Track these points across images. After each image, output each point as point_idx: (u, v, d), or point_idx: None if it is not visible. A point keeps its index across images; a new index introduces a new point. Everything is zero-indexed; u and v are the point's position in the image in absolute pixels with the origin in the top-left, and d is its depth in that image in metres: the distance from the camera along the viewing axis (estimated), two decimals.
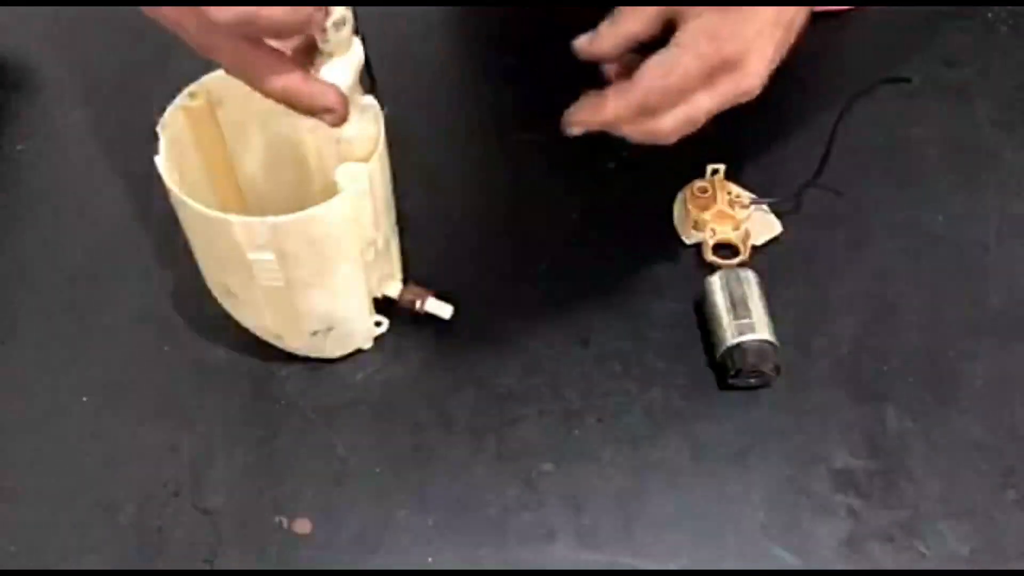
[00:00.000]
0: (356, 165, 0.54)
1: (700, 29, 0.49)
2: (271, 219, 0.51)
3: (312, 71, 0.50)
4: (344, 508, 0.57)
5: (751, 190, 0.68)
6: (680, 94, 0.50)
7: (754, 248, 0.66)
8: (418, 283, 0.62)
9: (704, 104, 0.50)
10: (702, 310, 0.62)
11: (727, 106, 0.51)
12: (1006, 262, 0.66)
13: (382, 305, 0.62)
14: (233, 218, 0.51)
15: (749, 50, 0.49)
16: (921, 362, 0.61)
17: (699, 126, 0.51)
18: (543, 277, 0.65)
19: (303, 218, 0.51)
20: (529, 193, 0.70)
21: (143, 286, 0.66)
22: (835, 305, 0.64)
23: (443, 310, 0.61)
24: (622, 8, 0.52)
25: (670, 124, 0.50)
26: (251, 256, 0.52)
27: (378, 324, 0.62)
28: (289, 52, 0.49)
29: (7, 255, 0.68)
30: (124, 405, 0.61)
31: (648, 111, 0.50)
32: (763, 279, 0.61)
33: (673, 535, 0.55)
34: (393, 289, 0.61)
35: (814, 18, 0.78)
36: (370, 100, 0.55)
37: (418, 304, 0.61)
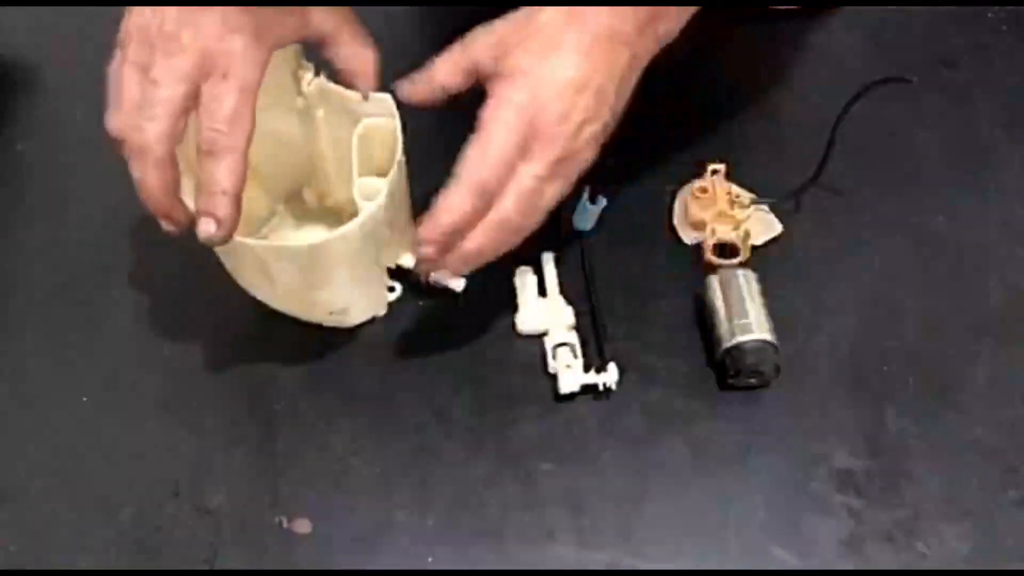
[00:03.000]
0: (374, 181, 0.55)
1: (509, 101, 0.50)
2: (293, 245, 0.53)
3: None
4: (344, 508, 0.57)
5: (751, 190, 0.68)
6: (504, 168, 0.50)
7: (754, 248, 0.66)
8: None
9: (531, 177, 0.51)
10: (702, 310, 0.62)
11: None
12: (1006, 262, 0.66)
13: (395, 273, 0.62)
14: (253, 242, 0.53)
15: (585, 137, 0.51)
16: (921, 362, 0.61)
17: (545, 201, 0.52)
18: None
19: (325, 242, 0.53)
20: None
21: (143, 286, 0.66)
22: (835, 305, 0.64)
23: (456, 284, 0.61)
24: (436, 58, 0.53)
25: (512, 207, 0.51)
26: (271, 267, 0.54)
27: (391, 290, 0.63)
28: None
29: (7, 255, 0.68)
30: (124, 405, 0.61)
31: (487, 197, 0.50)
32: (763, 279, 0.61)
33: (673, 535, 0.55)
34: (407, 260, 0.61)
35: (812, 16, 0.79)
36: (385, 96, 0.56)
37: (432, 278, 0.61)
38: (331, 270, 0.56)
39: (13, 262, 0.68)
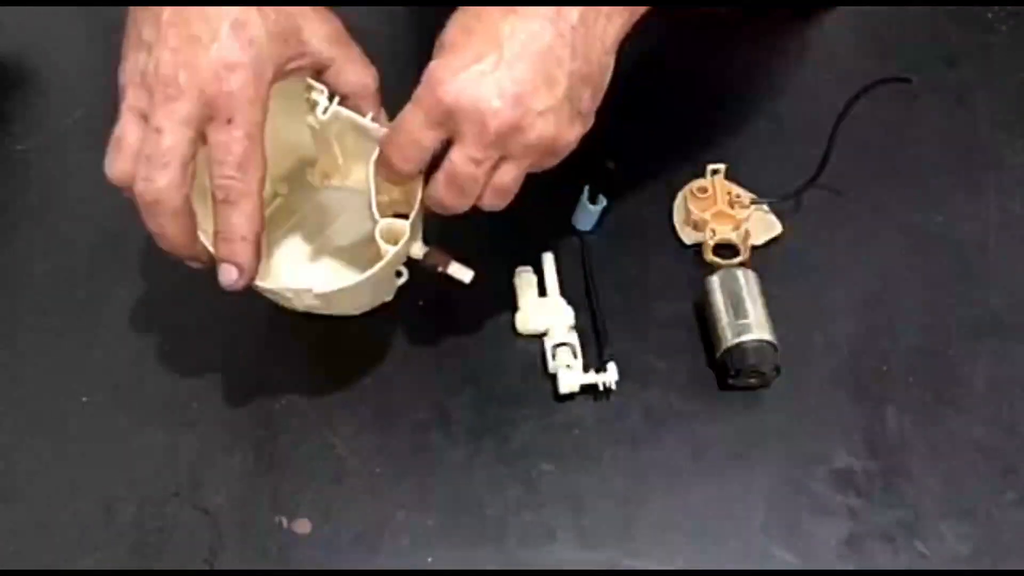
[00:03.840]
0: (395, 223, 0.55)
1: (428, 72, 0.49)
2: (316, 289, 0.53)
3: None
4: (344, 508, 0.57)
5: (751, 190, 0.68)
6: (418, 148, 0.50)
7: (754, 248, 0.66)
8: (440, 246, 0.62)
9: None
10: (702, 310, 0.62)
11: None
12: (1006, 262, 0.66)
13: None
14: (270, 287, 0.53)
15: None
16: (921, 362, 0.61)
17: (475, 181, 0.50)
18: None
19: (349, 286, 0.53)
20: (529, 193, 0.70)
21: (143, 286, 0.66)
22: (835, 305, 0.64)
23: (464, 275, 0.61)
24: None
25: (441, 189, 0.50)
26: (297, 305, 0.55)
27: (399, 274, 0.63)
28: None
29: (7, 255, 0.68)
30: (124, 405, 0.61)
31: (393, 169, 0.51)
32: (763, 279, 0.61)
33: (673, 535, 0.55)
34: (417, 250, 0.61)
35: (812, 16, 0.79)
36: None
37: (440, 268, 0.61)
38: (347, 302, 0.57)
39: (13, 262, 0.68)
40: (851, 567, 0.54)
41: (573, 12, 0.48)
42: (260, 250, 0.51)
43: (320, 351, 0.63)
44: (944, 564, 0.54)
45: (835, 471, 0.57)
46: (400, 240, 0.54)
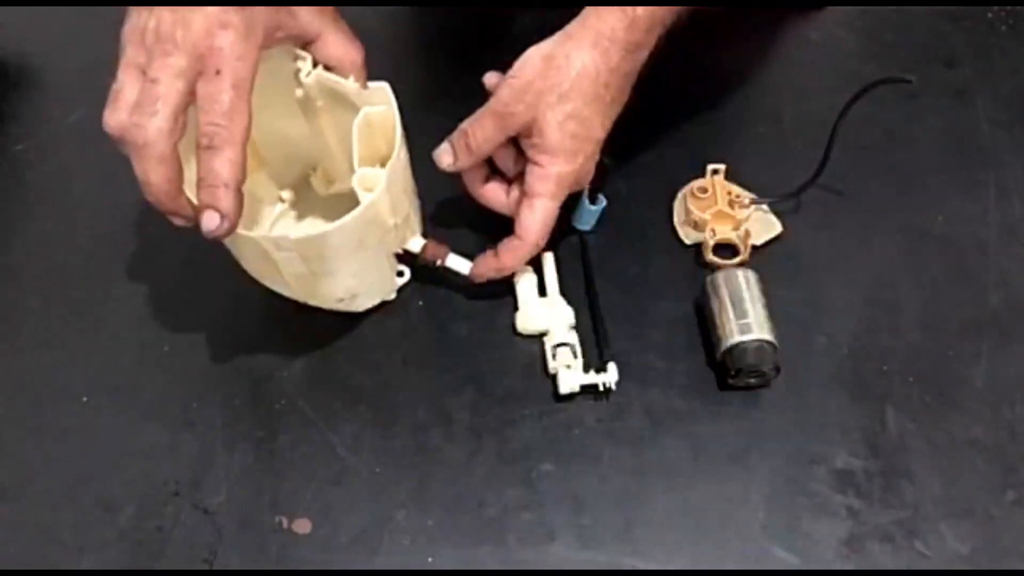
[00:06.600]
0: (372, 171, 0.55)
1: (551, 176, 0.59)
2: (293, 236, 0.53)
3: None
4: (344, 508, 0.57)
5: (751, 190, 0.68)
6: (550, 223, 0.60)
7: (754, 248, 0.66)
8: (437, 239, 0.62)
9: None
10: (702, 310, 0.62)
11: None
12: (1006, 262, 0.66)
13: (404, 258, 0.63)
14: (254, 235, 0.53)
15: (588, 171, 0.61)
16: (921, 362, 0.61)
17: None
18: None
19: (324, 232, 0.53)
20: None
21: (143, 286, 0.66)
22: (835, 305, 0.64)
23: (463, 266, 0.61)
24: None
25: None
26: (276, 256, 0.54)
27: (400, 274, 0.63)
28: None
29: (7, 255, 0.68)
30: (124, 405, 0.61)
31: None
32: (763, 279, 0.61)
33: (673, 535, 0.55)
34: (415, 244, 0.61)
35: (812, 16, 0.80)
36: (382, 84, 0.57)
37: (439, 260, 0.61)
38: (335, 259, 0.56)
39: (13, 262, 0.68)
40: (851, 567, 0.54)
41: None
42: (241, 199, 0.51)
43: (320, 351, 0.63)
44: (944, 564, 0.54)
45: (835, 471, 0.57)
46: (376, 188, 0.54)
